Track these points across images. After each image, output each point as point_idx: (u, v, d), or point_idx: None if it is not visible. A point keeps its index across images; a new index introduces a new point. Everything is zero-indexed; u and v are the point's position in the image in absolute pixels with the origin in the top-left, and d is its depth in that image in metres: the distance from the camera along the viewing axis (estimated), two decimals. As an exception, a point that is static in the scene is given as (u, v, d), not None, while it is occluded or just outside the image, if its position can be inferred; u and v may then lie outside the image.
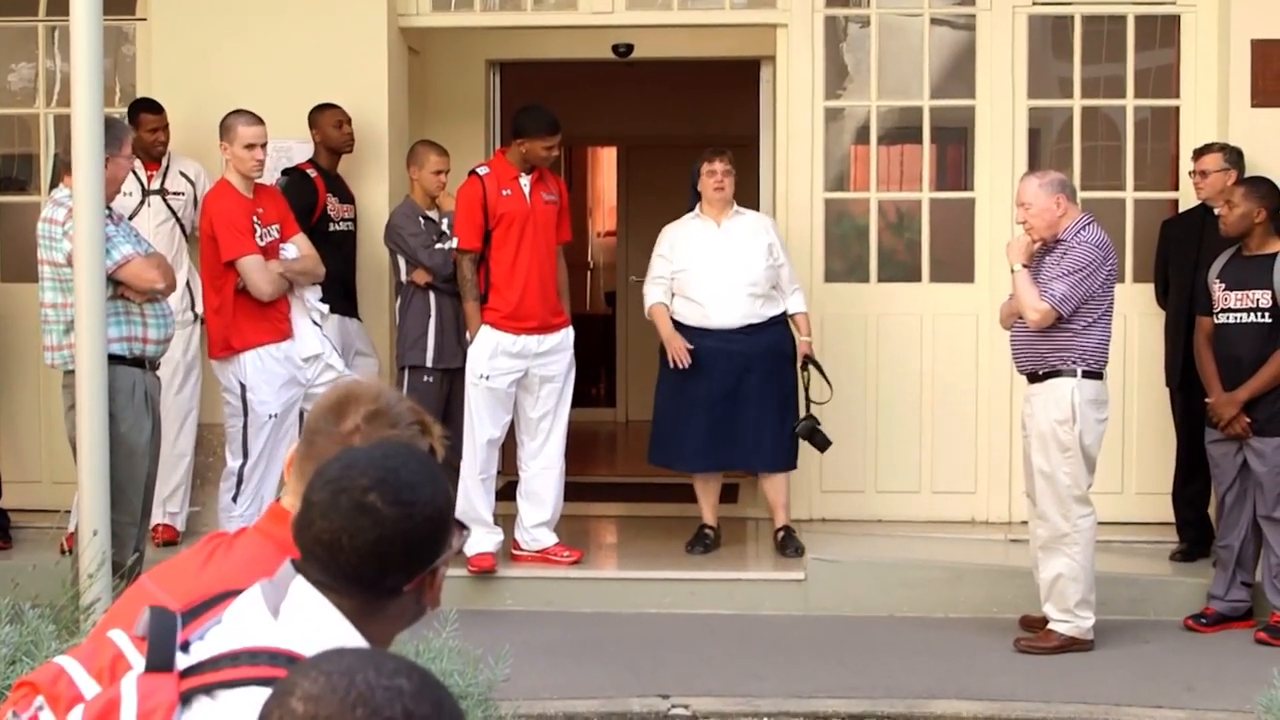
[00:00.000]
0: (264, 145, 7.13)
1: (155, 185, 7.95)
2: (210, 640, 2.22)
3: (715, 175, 7.80)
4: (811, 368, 7.77)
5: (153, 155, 7.92)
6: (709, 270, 7.74)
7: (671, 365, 7.75)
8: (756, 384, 7.71)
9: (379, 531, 2.17)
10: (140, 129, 7.81)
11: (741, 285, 7.70)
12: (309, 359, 7.19)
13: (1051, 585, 6.76)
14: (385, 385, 2.88)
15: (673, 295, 7.84)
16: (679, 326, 7.78)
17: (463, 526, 2.32)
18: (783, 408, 7.77)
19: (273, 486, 7.19)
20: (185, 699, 2.16)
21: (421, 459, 2.29)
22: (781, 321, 7.82)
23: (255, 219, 7.08)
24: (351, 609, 2.21)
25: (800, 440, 7.75)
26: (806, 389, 7.76)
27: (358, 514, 2.17)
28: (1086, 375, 6.70)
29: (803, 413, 7.76)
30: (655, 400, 7.98)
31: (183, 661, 2.18)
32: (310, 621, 2.20)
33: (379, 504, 2.18)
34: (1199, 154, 7.66)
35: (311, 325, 7.25)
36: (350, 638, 2.20)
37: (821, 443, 7.74)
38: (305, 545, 2.22)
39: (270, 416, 7.09)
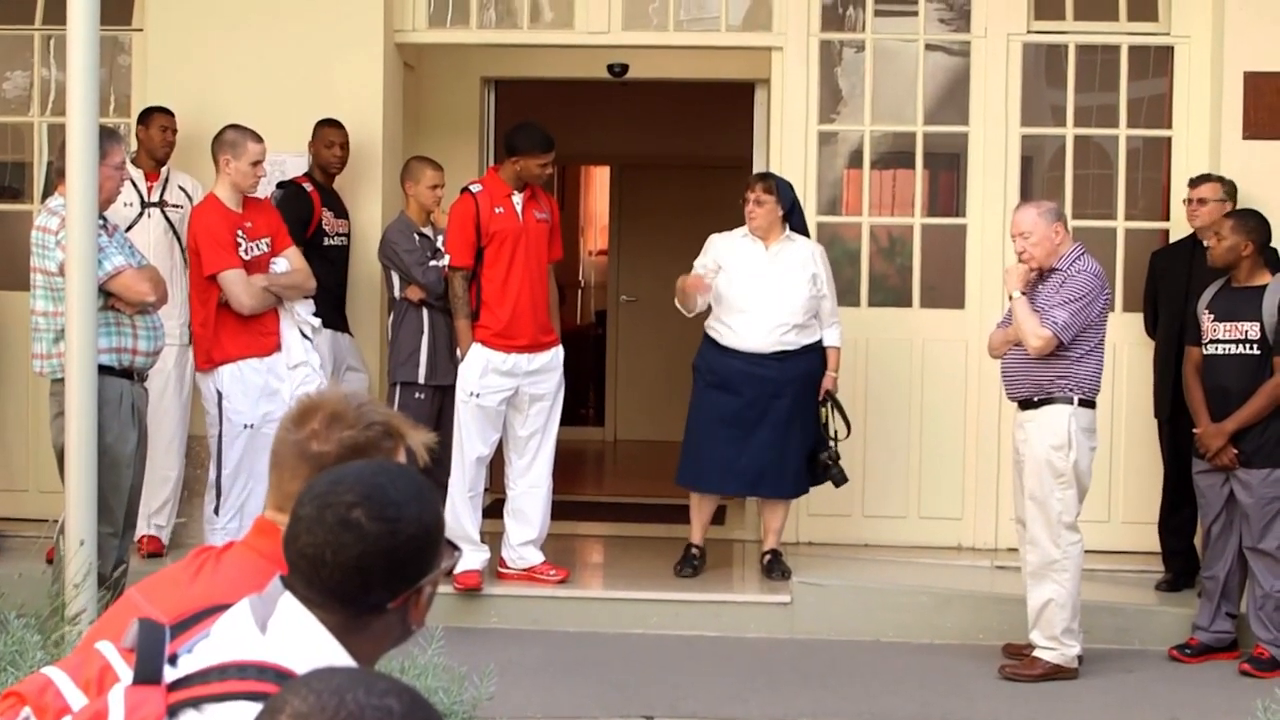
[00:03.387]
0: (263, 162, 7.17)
1: (155, 197, 7.96)
2: (198, 654, 2.22)
3: (748, 204, 7.68)
4: (830, 404, 7.75)
5: (158, 159, 7.93)
6: (750, 294, 7.65)
7: (692, 289, 7.63)
8: (785, 410, 7.65)
9: (362, 547, 2.17)
10: (151, 127, 7.86)
11: (780, 314, 7.61)
12: (295, 366, 7.17)
13: (1040, 612, 6.77)
14: (354, 392, 2.90)
15: (709, 308, 7.79)
16: (714, 344, 7.74)
17: (454, 547, 2.31)
18: (807, 435, 7.73)
19: (258, 500, 7.18)
20: (172, 712, 2.16)
21: (412, 478, 2.28)
22: (817, 349, 7.74)
23: (241, 233, 7.07)
24: (336, 625, 2.21)
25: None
26: (824, 425, 7.74)
27: (341, 529, 2.18)
28: (1082, 403, 6.73)
29: (823, 445, 7.72)
30: (687, 419, 7.93)
31: (170, 674, 2.18)
32: (297, 637, 2.20)
33: (363, 520, 2.18)
34: (1197, 182, 7.68)
35: (300, 337, 7.23)
36: (336, 654, 2.20)
37: (838, 478, 7.74)
38: (291, 559, 2.23)
39: (245, 427, 7.07)
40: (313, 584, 2.20)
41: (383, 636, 2.27)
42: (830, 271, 7.84)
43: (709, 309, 7.79)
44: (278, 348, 7.16)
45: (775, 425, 7.65)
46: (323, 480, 2.25)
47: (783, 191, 7.73)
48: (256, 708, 2.07)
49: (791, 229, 7.79)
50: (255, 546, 2.67)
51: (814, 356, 7.76)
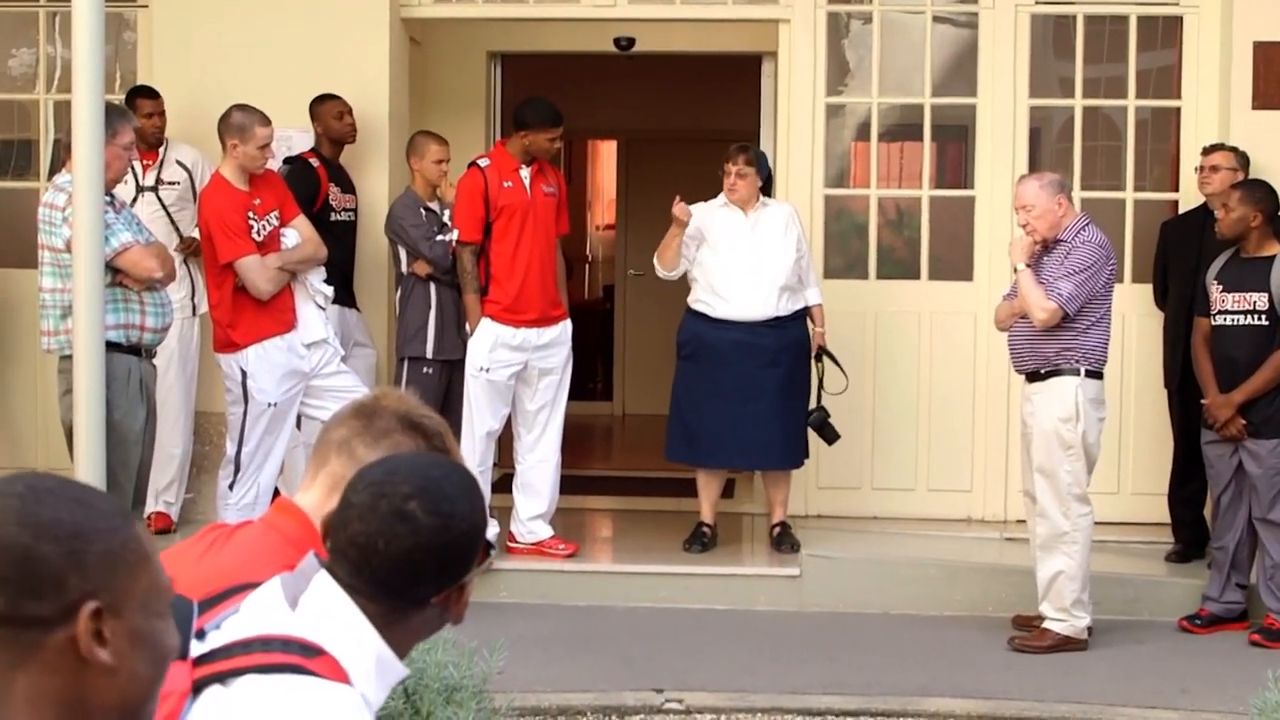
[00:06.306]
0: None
1: (150, 180, 7.93)
2: (226, 629, 2.23)
3: (729, 176, 7.70)
4: (826, 359, 7.73)
5: (149, 142, 7.89)
6: (737, 262, 7.65)
7: (677, 212, 7.64)
8: (781, 378, 7.65)
9: (415, 540, 2.18)
10: (136, 114, 7.80)
11: (771, 279, 7.62)
12: (312, 344, 7.17)
13: (1049, 584, 6.77)
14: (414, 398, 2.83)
15: (694, 280, 7.78)
16: (703, 318, 7.72)
17: (490, 546, 2.31)
18: (802, 403, 7.73)
19: (270, 476, 7.19)
20: (197, 687, 2.16)
21: (464, 474, 2.29)
22: (804, 315, 7.76)
23: (252, 213, 7.04)
24: (377, 614, 2.21)
25: (809, 431, 7.74)
26: (821, 380, 7.73)
27: (396, 520, 2.18)
28: (1089, 374, 6.72)
29: (813, 403, 7.72)
30: (673, 395, 7.89)
31: (197, 649, 2.18)
32: (329, 615, 2.20)
33: (418, 512, 2.18)
34: (1210, 150, 7.66)
35: (315, 310, 7.24)
36: (367, 636, 2.20)
37: (830, 435, 7.72)
38: (339, 546, 2.22)
39: (269, 405, 7.08)
40: (360, 573, 2.20)
41: (419, 629, 2.27)
42: (805, 231, 7.86)
43: (690, 286, 7.80)
44: (296, 324, 7.15)
45: (772, 395, 7.62)
46: (377, 469, 2.25)
47: (761, 163, 7.78)
48: (281, 681, 2.07)
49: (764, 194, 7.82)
50: (276, 525, 2.65)
51: (803, 323, 7.76)
